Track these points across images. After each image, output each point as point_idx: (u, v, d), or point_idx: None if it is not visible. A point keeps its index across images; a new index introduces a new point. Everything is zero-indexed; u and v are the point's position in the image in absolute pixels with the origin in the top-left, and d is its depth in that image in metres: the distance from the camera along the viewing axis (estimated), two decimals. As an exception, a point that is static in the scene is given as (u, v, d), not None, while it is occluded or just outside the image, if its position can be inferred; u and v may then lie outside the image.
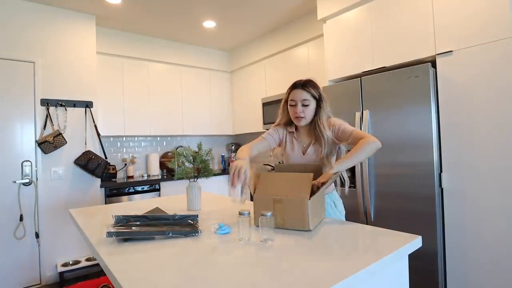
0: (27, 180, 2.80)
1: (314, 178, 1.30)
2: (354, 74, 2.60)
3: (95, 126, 3.18)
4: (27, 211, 2.80)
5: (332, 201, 1.57)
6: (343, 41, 2.70)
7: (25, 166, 2.80)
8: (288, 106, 1.56)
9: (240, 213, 1.11)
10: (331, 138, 1.50)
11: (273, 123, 4.29)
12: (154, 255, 0.99)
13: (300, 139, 1.61)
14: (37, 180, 2.85)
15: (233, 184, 1.25)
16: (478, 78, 1.90)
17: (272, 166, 4.33)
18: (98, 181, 3.19)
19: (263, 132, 4.51)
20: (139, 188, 3.45)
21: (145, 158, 4.11)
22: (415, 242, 1.05)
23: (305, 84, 1.51)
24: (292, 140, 1.63)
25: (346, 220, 1.53)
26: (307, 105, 1.49)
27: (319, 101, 1.52)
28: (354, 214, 2.41)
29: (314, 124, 1.54)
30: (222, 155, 4.76)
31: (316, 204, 1.26)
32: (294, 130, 1.62)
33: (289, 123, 1.63)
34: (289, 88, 1.56)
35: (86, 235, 1.26)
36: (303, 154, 1.58)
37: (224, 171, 4.40)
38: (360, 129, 2.35)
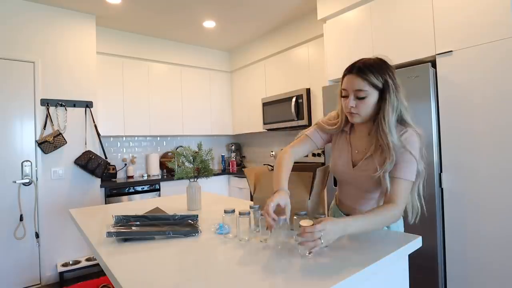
0: (27, 180, 2.80)
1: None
2: (354, 74, 2.59)
3: (95, 126, 3.18)
4: (27, 211, 2.80)
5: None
6: (343, 41, 2.70)
7: (25, 166, 2.80)
8: (342, 98, 1.15)
9: (241, 213, 1.10)
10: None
11: (273, 123, 4.25)
12: (154, 255, 0.99)
13: (354, 144, 1.21)
14: (37, 180, 2.85)
15: (270, 228, 0.97)
16: (478, 78, 1.90)
17: (272, 166, 4.29)
18: (98, 181, 3.19)
19: (263, 132, 4.50)
20: (139, 188, 3.45)
21: (145, 158, 4.11)
22: (415, 242, 1.05)
23: (363, 69, 1.07)
24: (343, 141, 1.24)
25: None
26: (363, 98, 1.07)
27: (383, 91, 1.07)
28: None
29: (376, 126, 1.10)
30: (222, 155, 4.76)
31: (315, 204, 1.25)
32: (349, 129, 1.23)
33: (344, 118, 1.21)
34: (344, 72, 1.15)
35: (86, 235, 1.26)
36: (353, 166, 1.19)
37: (224, 171, 4.40)
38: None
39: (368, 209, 1.16)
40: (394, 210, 1.03)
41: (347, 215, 1.25)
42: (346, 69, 1.14)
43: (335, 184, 1.30)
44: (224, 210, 1.13)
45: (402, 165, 1.07)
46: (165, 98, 4.00)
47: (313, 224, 0.87)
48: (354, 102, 1.09)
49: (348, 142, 1.23)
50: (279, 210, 1.00)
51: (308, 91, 3.33)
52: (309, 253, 0.90)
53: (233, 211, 1.17)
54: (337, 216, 1.30)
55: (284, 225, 1.02)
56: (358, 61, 1.13)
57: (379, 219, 1.00)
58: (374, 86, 1.07)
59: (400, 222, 1.28)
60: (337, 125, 1.23)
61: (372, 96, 1.08)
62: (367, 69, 1.07)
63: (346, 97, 1.11)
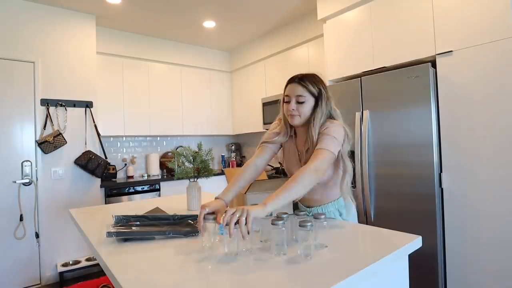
0: (27, 180, 2.80)
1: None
2: (354, 74, 2.60)
3: (95, 126, 3.18)
4: (27, 211, 2.80)
5: (336, 209, 1.38)
6: (343, 41, 2.70)
7: (25, 166, 2.80)
8: (284, 103, 1.36)
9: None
10: None
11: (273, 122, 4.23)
12: (154, 255, 0.98)
13: (299, 146, 1.40)
14: (37, 180, 2.85)
15: (203, 233, 1.06)
16: (478, 78, 1.90)
17: (272, 166, 4.29)
18: (98, 181, 3.19)
19: (263, 133, 4.51)
20: (139, 188, 3.45)
21: (145, 158, 4.11)
22: (415, 242, 1.05)
23: (303, 79, 1.31)
24: (290, 145, 1.44)
25: None
26: (302, 102, 1.28)
27: (317, 98, 1.30)
28: (354, 214, 2.40)
29: (308, 124, 1.31)
30: (222, 155, 4.76)
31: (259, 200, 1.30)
32: (293, 133, 1.43)
33: (287, 123, 1.40)
34: (286, 82, 1.37)
35: (86, 235, 1.26)
36: (300, 160, 1.38)
37: (223, 171, 4.40)
38: (360, 129, 2.35)
39: (324, 195, 1.36)
40: (305, 168, 1.14)
41: (308, 207, 1.42)
42: (289, 80, 1.36)
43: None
44: (204, 217, 1.04)
45: (326, 135, 1.24)
46: (165, 98, 4.00)
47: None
48: (295, 105, 1.30)
49: (295, 146, 1.41)
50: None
51: (308, 91, 3.32)
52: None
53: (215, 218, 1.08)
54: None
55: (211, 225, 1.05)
56: (298, 74, 1.35)
57: (294, 182, 1.09)
58: (311, 93, 1.29)
59: (352, 212, 1.42)
60: (282, 132, 1.41)
61: (309, 102, 1.30)
62: (307, 79, 1.30)
63: (288, 102, 1.32)
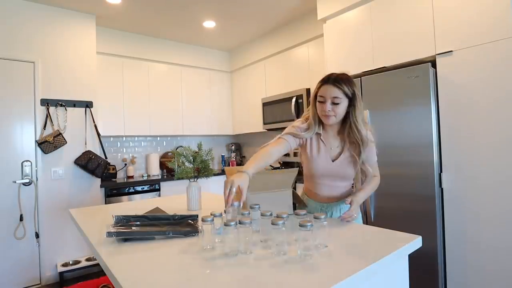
0: (27, 180, 2.80)
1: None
2: (354, 74, 2.60)
3: (95, 126, 3.18)
4: (27, 211, 2.80)
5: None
6: (343, 41, 2.70)
7: (25, 166, 2.80)
8: (317, 102, 1.38)
9: (263, 214, 1.09)
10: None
11: (273, 123, 4.25)
12: (154, 255, 0.99)
13: (327, 142, 1.45)
14: (37, 180, 2.85)
15: (227, 203, 1.10)
16: (478, 78, 1.90)
17: (272, 166, 4.28)
18: (98, 181, 3.19)
19: (263, 132, 4.49)
20: (139, 188, 3.45)
21: (145, 158, 4.11)
22: (415, 242, 1.05)
23: (338, 80, 1.32)
24: (318, 142, 1.45)
25: None
26: (337, 104, 1.32)
27: (352, 99, 1.34)
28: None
29: (348, 126, 1.38)
30: (222, 155, 4.76)
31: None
32: (321, 131, 1.45)
33: (316, 121, 1.44)
34: (319, 82, 1.38)
35: (86, 235, 1.26)
36: (332, 160, 1.43)
37: (224, 171, 4.40)
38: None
39: (344, 194, 1.50)
40: (378, 180, 1.53)
41: (322, 202, 1.51)
42: (323, 80, 1.37)
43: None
44: (202, 219, 1.03)
45: (372, 154, 1.46)
46: (165, 98, 4.00)
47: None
48: (331, 106, 1.34)
49: (323, 142, 1.45)
50: (236, 192, 1.12)
51: (308, 91, 3.33)
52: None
53: (249, 213, 1.13)
54: (314, 206, 1.54)
55: (236, 210, 1.09)
56: (332, 74, 1.37)
57: (372, 186, 1.49)
58: (346, 95, 1.33)
59: (360, 213, 1.52)
60: (310, 128, 1.44)
61: (344, 103, 1.34)
62: (342, 81, 1.33)
63: (323, 102, 1.35)
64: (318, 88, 1.38)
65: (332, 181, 1.47)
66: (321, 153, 1.44)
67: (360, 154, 1.38)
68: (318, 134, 1.45)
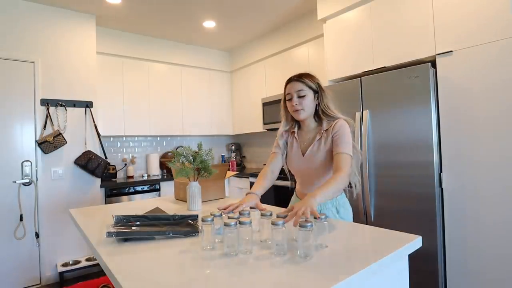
0: (27, 180, 2.80)
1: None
2: (354, 74, 2.60)
3: (95, 126, 3.18)
4: (27, 211, 2.80)
5: (334, 207, 1.44)
6: (343, 41, 2.70)
7: (25, 166, 2.80)
8: (286, 102, 1.49)
9: (263, 214, 1.08)
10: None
11: (273, 123, 4.27)
12: (154, 255, 0.99)
13: (301, 138, 1.52)
14: (37, 180, 2.85)
15: (228, 210, 1.23)
16: (478, 78, 1.90)
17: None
18: (98, 181, 3.19)
19: (263, 132, 4.50)
20: (139, 188, 3.45)
21: (145, 158, 4.11)
22: (415, 242, 1.05)
23: (300, 75, 1.45)
24: (293, 140, 1.54)
25: None
26: (303, 96, 1.41)
27: (318, 92, 1.44)
28: (354, 214, 2.40)
29: (319, 114, 1.45)
30: (222, 155, 4.76)
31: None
32: (295, 129, 1.54)
33: (289, 120, 1.56)
34: (285, 84, 1.50)
35: (86, 235, 1.26)
36: (303, 155, 1.49)
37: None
38: (360, 129, 2.35)
39: None
40: (341, 174, 1.29)
41: None
42: (287, 80, 1.48)
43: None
44: (202, 219, 1.02)
45: (341, 143, 1.37)
46: (165, 98, 4.00)
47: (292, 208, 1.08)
48: (298, 100, 1.42)
49: (296, 139, 1.53)
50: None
51: (308, 91, 3.32)
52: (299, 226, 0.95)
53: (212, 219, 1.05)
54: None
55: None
56: (294, 74, 1.47)
57: (334, 185, 1.25)
58: (310, 88, 1.42)
59: (349, 210, 1.52)
60: (282, 129, 1.56)
61: (309, 95, 1.42)
62: (303, 76, 1.44)
63: (290, 99, 1.44)
64: (284, 88, 1.49)
65: (309, 176, 1.50)
66: (293, 150, 1.53)
67: (332, 130, 1.39)
68: (293, 133, 1.54)
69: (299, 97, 1.42)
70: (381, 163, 2.28)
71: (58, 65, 3.00)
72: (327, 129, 1.43)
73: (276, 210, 1.59)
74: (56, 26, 3.01)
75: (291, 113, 1.48)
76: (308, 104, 1.42)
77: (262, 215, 1.09)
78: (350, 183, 1.45)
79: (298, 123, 1.55)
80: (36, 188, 2.84)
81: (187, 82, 4.22)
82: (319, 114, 1.46)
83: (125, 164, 3.91)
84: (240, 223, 0.97)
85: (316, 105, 1.45)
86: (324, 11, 2.84)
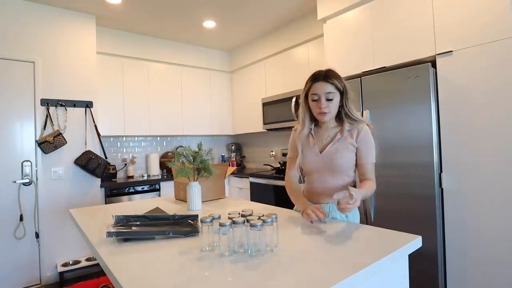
0: (27, 180, 2.80)
1: None
2: (354, 74, 2.60)
3: (95, 126, 3.18)
4: (27, 211, 2.80)
5: None
6: (343, 41, 2.70)
7: (25, 166, 2.80)
8: (310, 101, 1.39)
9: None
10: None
11: (273, 123, 4.26)
12: (154, 255, 0.99)
13: (318, 136, 1.46)
14: (37, 180, 2.85)
15: (314, 218, 1.24)
16: (478, 78, 1.90)
17: (272, 166, 4.30)
18: (98, 181, 3.19)
19: (263, 132, 4.49)
20: (139, 188, 3.45)
21: (145, 158, 4.11)
22: (415, 242, 1.05)
23: (328, 75, 1.34)
24: (309, 136, 1.47)
25: None
26: (331, 99, 1.33)
27: (343, 93, 1.36)
28: (354, 214, 2.40)
29: (344, 116, 1.39)
30: (222, 155, 4.76)
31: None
32: (313, 127, 1.47)
33: (308, 119, 1.46)
34: (309, 81, 1.39)
35: (86, 235, 1.26)
36: (320, 152, 1.42)
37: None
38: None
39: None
40: (374, 185, 1.39)
41: (320, 203, 1.47)
42: (311, 79, 1.38)
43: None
44: (220, 224, 0.99)
45: (368, 152, 1.39)
46: (165, 98, 4.00)
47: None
48: (326, 103, 1.34)
49: (312, 136, 1.46)
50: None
51: (308, 91, 3.32)
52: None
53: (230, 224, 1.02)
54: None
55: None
56: (319, 71, 1.38)
57: (369, 192, 1.35)
58: (338, 89, 1.35)
59: (357, 215, 1.49)
60: (303, 128, 1.46)
61: (337, 98, 1.35)
62: (332, 76, 1.34)
63: (317, 100, 1.36)
64: (309, 87, 1.38)
65: (323, 175, 1.44)
66: (309, 146, 1.46)
67: (358, 136, 1.38)
68: (309, 129, 1.48)
69: (328, 99, 1.34)
70: (381, 163, 2.27)
71: (58, 65, 3.00)
72: (349, 130, 1.40)
73: (276, 210, 1.60)
74: (56, 26, 3.01)
75: (316, 114, 1.40)
76: (334, 107, 1.37)
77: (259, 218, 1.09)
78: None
79: (315, 121, 1.48)
80: (36, 188, 2.84)
81: (187, 82, 4.22)
82: (341, 116, 1.40)
83: (125, 164, 3.91)
84: (240, 223, 0.97)
85: (340, 106, 1.38)
86: (324, 11, 2.84)
